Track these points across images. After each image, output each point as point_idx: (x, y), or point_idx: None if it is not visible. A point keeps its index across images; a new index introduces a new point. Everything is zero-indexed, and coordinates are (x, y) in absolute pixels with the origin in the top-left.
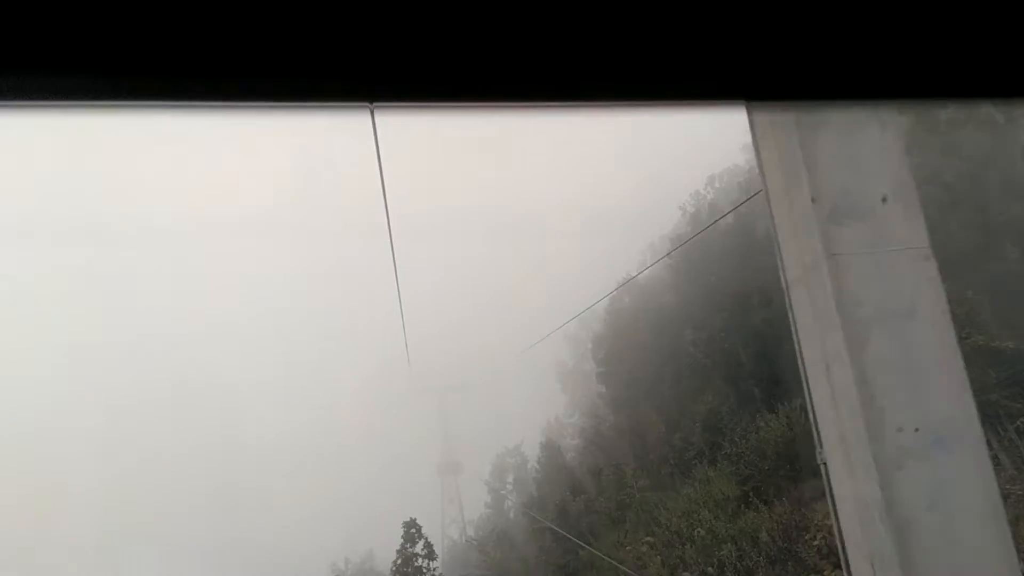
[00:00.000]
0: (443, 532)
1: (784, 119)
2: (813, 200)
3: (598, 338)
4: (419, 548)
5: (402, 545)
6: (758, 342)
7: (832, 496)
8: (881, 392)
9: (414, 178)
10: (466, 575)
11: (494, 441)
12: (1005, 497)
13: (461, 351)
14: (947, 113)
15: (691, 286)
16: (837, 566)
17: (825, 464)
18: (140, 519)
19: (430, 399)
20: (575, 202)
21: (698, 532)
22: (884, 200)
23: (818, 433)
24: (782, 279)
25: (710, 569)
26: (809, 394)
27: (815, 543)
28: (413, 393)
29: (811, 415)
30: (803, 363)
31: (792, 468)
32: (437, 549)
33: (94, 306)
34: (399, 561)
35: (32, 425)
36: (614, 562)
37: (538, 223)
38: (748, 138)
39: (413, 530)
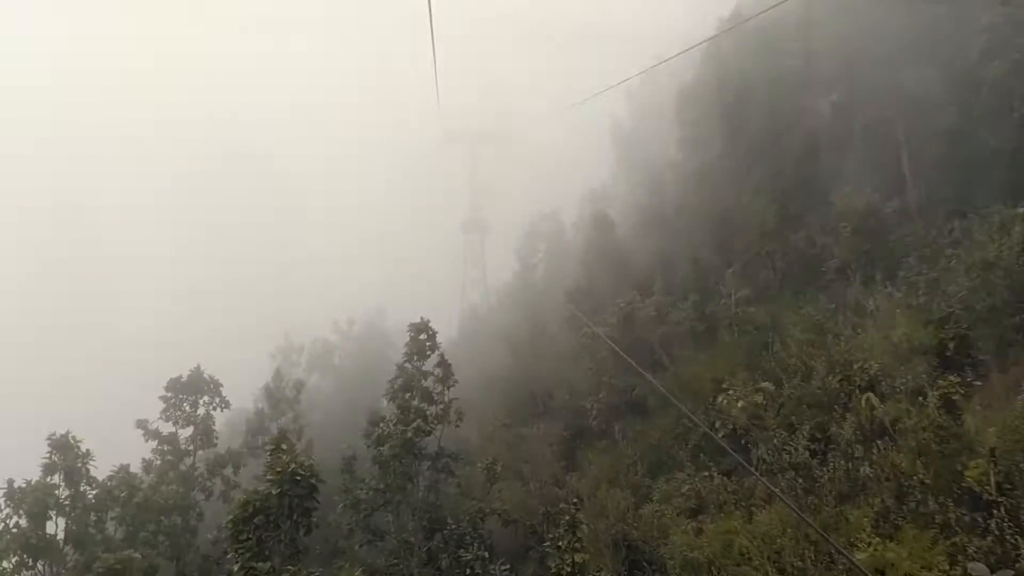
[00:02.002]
0: (463, 295)
1: None
2: None
3: (685, 94)
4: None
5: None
6: None
7: None
8: None
9: None
10: None
11: (528, 203)
12: None
13: (499, 96)
14: None
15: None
16: None
17: None
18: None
19: (459, 149)
20: None
21: None
22: None
23: None
24: None
25: None
26: None
27: None
28: (440, 141)
29: None
30: None
31: None
32: (455, 314)
33: None
34: None
35: None
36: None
37: None
38: None
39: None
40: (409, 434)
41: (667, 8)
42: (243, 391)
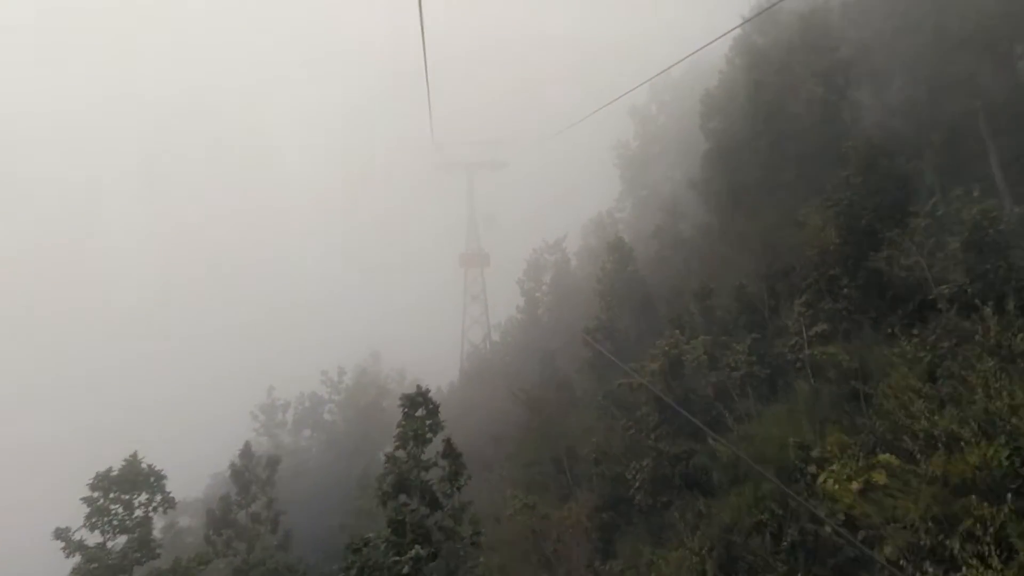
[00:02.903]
0: (463, 334)
1: None
2: None
3: (711, 100)
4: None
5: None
6: None
7: None
8: None
9: None
10: None
11: (529, 232)
12: None
13: (495, 118)
14: None
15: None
16: None
17: None
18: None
19: (456, 177)
20: None
21: None
22: None
23: None
24: None
25: None
26: None
27: None
28: (435, 169)
29: None
30: None
31: None
32: (455, 354)
33: None
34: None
35: None
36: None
37: None
38: None
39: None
40: (405, 569)
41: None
42: (215, 459)
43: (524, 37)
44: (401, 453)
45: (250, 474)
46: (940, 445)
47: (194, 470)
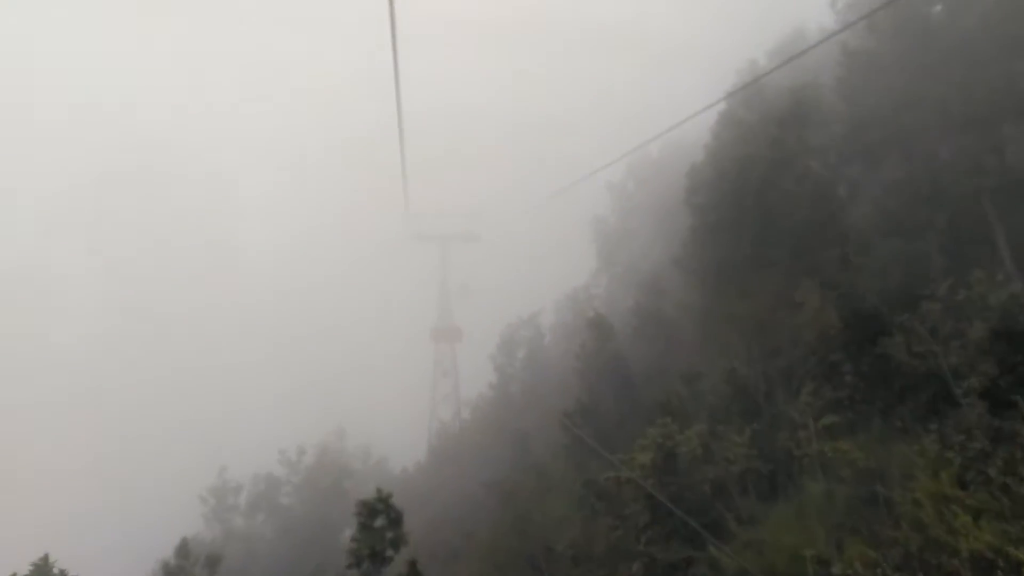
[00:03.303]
0: (432, 411)
1: None
2: None
3: (697, 174)
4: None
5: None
6: None
7: None
8: None
9: None
10: None
11: (503, 306)
12: None
13: (470, 190)
14: None
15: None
16: None
17: None
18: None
19: (429, 249)
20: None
21: None
22: None
23: None
24: None
25: None
26: None
27: None
28: (408, 240)
29: None
30: None
31: None
32: (423, 432)
33: None
34: None
35: None
36: None
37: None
38: None
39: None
40: None
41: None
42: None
43: (502, 110)
44: (354, 574)
45: (186, 573)
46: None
47: (138, 555)
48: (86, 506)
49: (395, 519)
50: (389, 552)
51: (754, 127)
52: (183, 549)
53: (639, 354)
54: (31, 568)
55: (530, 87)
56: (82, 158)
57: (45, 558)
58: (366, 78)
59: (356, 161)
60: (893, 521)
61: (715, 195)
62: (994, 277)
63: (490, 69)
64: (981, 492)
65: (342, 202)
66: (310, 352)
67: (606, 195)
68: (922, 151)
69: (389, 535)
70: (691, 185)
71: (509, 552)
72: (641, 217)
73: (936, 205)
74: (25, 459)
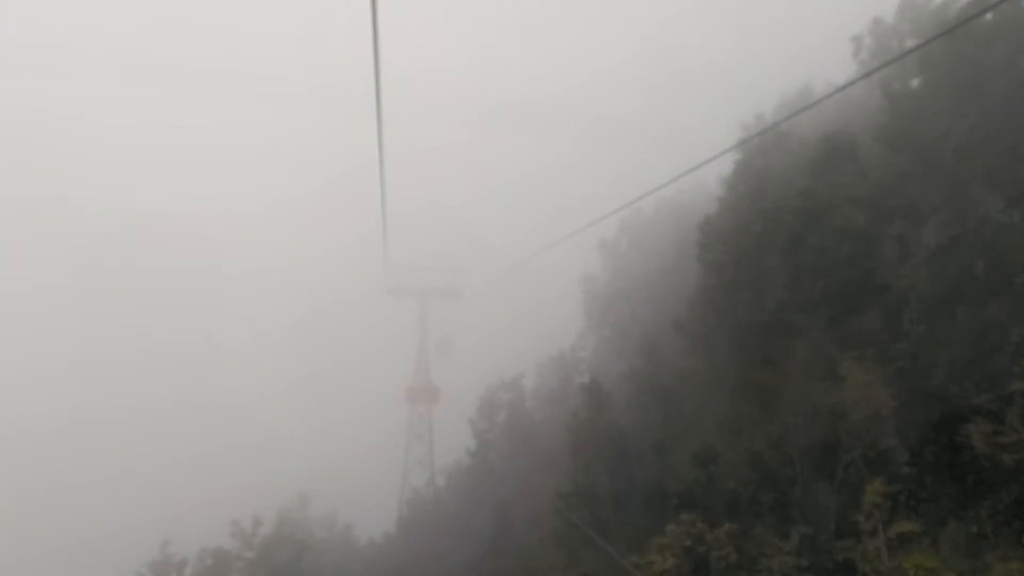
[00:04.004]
0: (404, 477)
1: None
2: None
3: (711, 228)
4: None
5: None
6: None
7: None
8: None
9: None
10: None
11: (485, 367)
12: None
13: (452, 245)
14: None
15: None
16: None
17: None
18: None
19: (407, 305)
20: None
21: None
22: None
23: None
24: None
25: None
26: None
27: None
28: (386, 294)
29: None
30: None
31: None
32: (394, 499)
33: None
34: None
35: None
36: None
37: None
38: None
39: None
40: None
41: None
42: None
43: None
44: None
45: None
46: None
47: None
48: None
49: None
50: None
51: (778, 177)
52: None
53: (635, 426)
54: None
55: (518, 144)
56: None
57: None
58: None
59: (332, 208)
60: None
61: (733, 251)
62: None
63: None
64: None
65: (316, 250)
66: (269, 409)
67: (595, 253)
68: (977, 207)
69: None
70: (704, 240)
71: None
72: (633, 277)
73: (997, 268)
74: None
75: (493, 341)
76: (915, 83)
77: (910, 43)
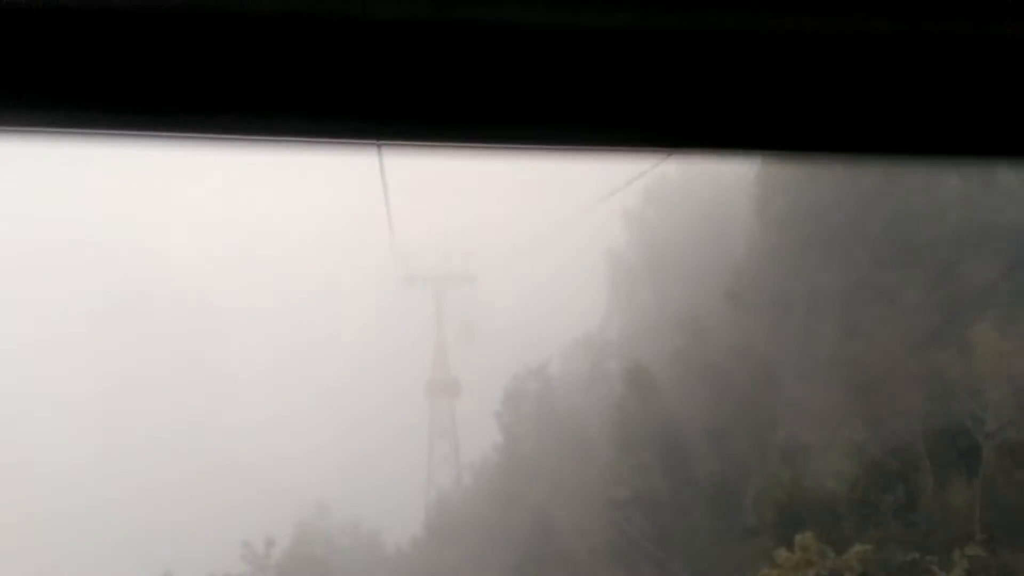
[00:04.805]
0: (429, 477)
1: None
2: None
3: (769, 183)
4: None
5: None
6: None
7: None
8: None
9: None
10: None
11: (509, 356)
12: None
13: (464, 226)
14: None
15: None
16: None
17: None
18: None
19: (420, 292)
20: None
21: None
22: None
23: None
24: None
25: None
26: None
27: None
28: (396, 282)
29: None
30: None
31: None
32: (420, 501)
33: None
34: None
35: None
36: None
37: None
38: None
39: None
40: None
41: None
42: None
43: None
44: None
45: None
46: None
47: None
48: None
49: None
50: None
51: None
52: None
53: (685, 415)
54: None
55: None
56: None
57: None
58: None
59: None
60: None
61: (802, 205)
62: None
63: None
64: None
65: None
66: (282, 422)
67: (618, 224)
68: None
69: None
70: (763, 193)
71: None
72: (665, 249)
73: None
74: None
75: (512, 326)
76: None
77: None
